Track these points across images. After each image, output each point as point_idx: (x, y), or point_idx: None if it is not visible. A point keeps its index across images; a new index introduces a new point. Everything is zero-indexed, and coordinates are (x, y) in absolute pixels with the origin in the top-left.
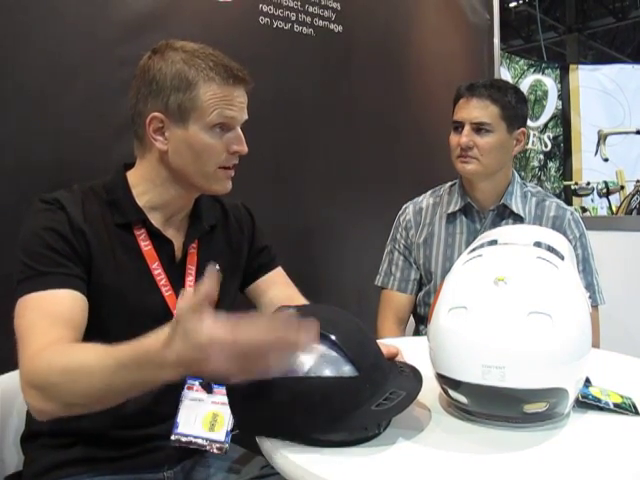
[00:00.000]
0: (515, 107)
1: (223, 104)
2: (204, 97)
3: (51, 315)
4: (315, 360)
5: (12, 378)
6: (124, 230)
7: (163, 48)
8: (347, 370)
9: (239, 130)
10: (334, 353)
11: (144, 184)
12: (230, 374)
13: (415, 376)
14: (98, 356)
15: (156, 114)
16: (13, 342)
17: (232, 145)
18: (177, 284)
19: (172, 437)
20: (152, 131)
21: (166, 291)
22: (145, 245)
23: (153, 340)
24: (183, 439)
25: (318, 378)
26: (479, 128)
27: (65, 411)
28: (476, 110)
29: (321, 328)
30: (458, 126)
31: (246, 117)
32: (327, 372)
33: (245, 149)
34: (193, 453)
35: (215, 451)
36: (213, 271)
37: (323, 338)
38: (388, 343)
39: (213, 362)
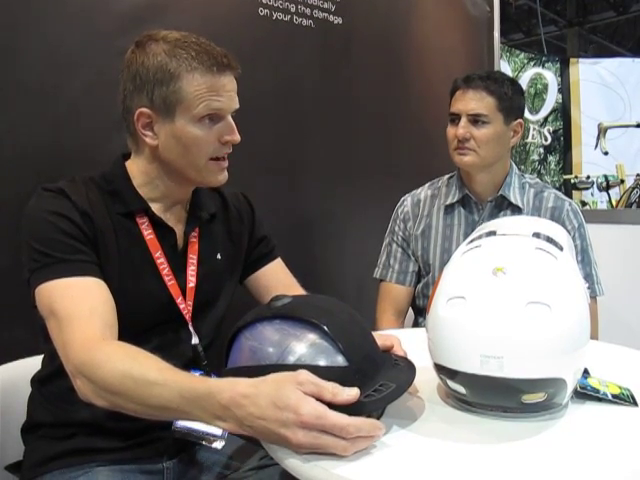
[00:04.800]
0: (511, 98)
1: (209, 95)
2: (189, 89)
3: (85, 302)
4: (306, 349)
5: (13, 368)
6: (127, 219)
7: (145, 40)
8: (337, 360)
9: (230, 119)
10: (325, 343)
11: (141, 177)
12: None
13: (409, 369)
14: (162, 374)
15: (143, 109)
16: (13, 332)
17: (223, 135)
18: (179, 273)
19: (172, 428)
20: (141, 127)
21: (169, 280)
22: (148, 234)
23: (227, 385)
24: (182, 430)
25: (308, 367)
26: (476, 120)
27: (110, 407)
28: (472, 102)
29: (314, 317)
30: (455, 118)
31: (237, 106)
32: (317, 361)
33: (237, 138)
34: (193, 444)
35: (213, 445)
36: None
37: (315, 327)
38: (387, 334)
39: (294, 438)
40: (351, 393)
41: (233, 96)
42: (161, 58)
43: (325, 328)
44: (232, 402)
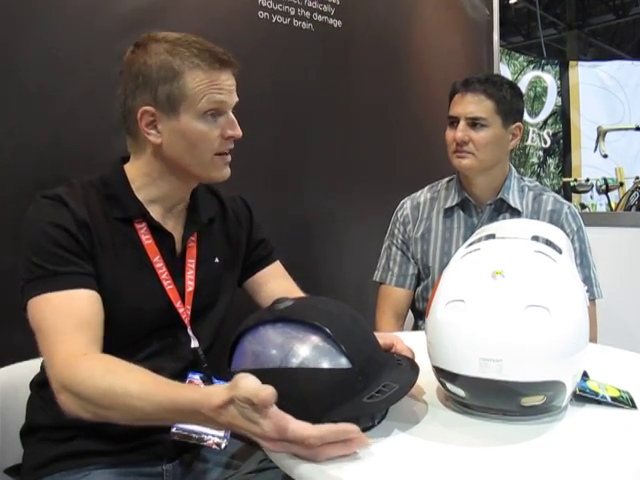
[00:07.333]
0: (510, 102)
1: (212, 90)
2: (192, 85)
3: (72, 317)
4: (309, 351)
5: (12, 371)
6: (125, 224)
7: (145, 41)
8: (340, 362)
9: (231, 114)
10: (328, 345)
11: (141, 178)
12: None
13: (411, 369)
14: (143, 388)
15: (146, 108)
16: (13, 336)
17: (226, 130)
18: (178, 277)
19: (172, 430)
20: (144, 125)
21: (167, 285)
22: (146, 239)
23: (205, 398)
24: (182, 433)
25: (311, 369)
26: (474, 123)
27: (96, 419)
28: (471, 105)
29: (316, 320)
30: (454, 121)
31: (237, 100)
32: (320, 364)
33: (239, 133)
34: (192, 446)
35: (214, 447)
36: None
37: (318, 330)
38: (387, 334)
39: (267, 447)
40: (266, 391)
41: (233, 91)
42: (164, 57)
43: (328, 330)
44: (214, 413)
